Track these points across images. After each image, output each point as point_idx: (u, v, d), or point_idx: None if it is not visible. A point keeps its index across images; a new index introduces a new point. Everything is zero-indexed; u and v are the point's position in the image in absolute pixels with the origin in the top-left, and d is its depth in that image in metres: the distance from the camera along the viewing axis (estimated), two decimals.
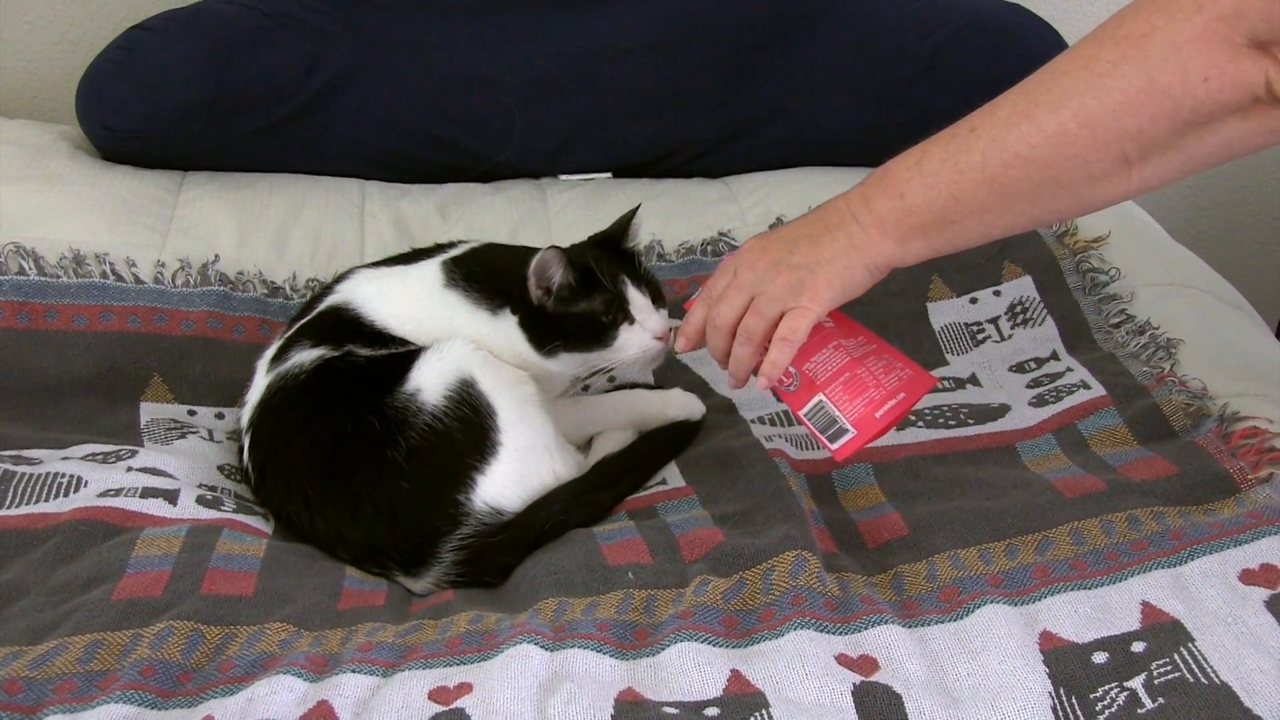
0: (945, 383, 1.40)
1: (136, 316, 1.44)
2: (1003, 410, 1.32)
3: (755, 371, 1.10)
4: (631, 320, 1.23)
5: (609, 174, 1.84)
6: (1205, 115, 0.94)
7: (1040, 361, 1.41)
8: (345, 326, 1.25)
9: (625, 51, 1.78)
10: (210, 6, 1.75)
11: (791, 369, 1.08)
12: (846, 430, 1.07)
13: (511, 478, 1.17)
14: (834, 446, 1.08)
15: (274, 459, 1.21)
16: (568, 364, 1.25)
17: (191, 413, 1.38)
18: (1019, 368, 1.41)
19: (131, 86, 1.68)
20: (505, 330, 1.25)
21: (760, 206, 1.72)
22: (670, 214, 1.71)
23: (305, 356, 1.22)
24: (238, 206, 1.66)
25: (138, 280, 1.49)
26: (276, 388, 1.22)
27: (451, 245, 1.34)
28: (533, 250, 1.25)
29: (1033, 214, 1.04)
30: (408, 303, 1.27)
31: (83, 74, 1.70)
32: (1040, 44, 1.77)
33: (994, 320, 1.48)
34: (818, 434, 1.09)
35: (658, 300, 1.26)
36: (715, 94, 1.81)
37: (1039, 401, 1.32)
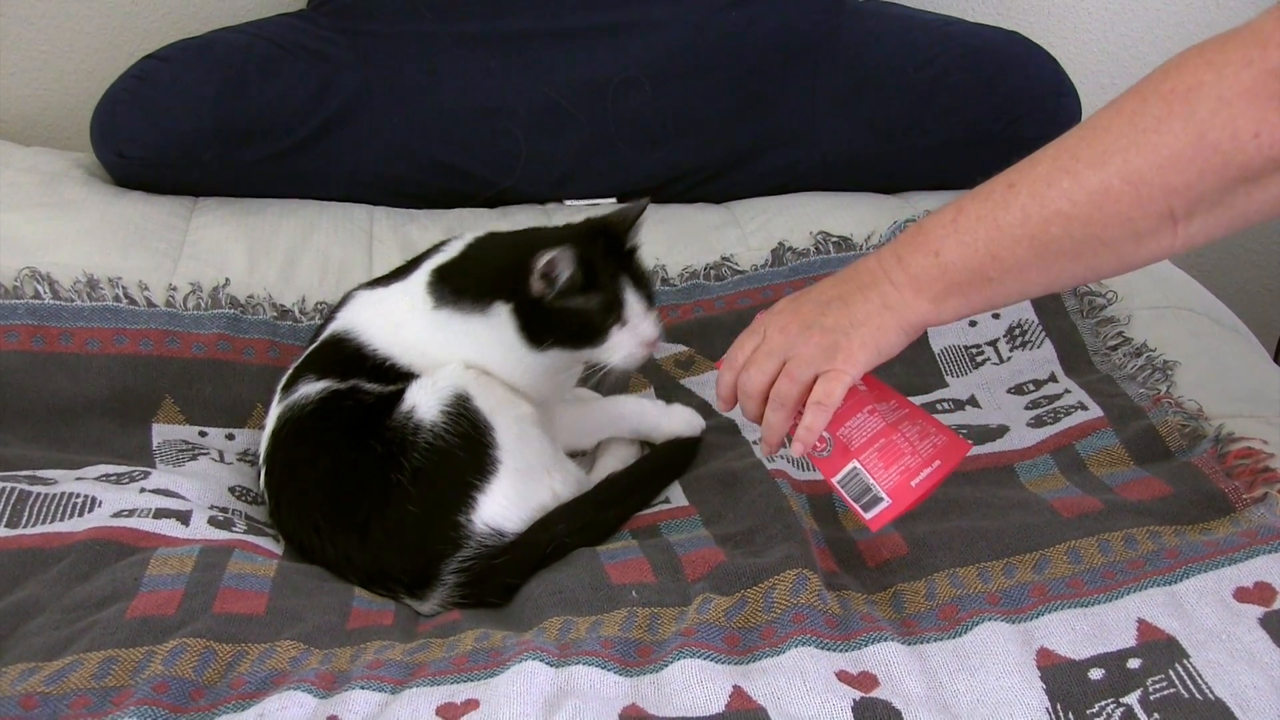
0: (945, 404, 1.41)
1: (149, 339, 1.45)
2: (1001, 431, 1.33)
3: (790, 437, 1.07)
4: (624, 322, 1.23)
5: (614, 199, 1.85)
6: (1255, 171, 0.91)
7: (1039, 383, 1.41)
8: (349, 358, 1.25)
9: (630, 81, 1.79)
10: (222, 36, 1.78)
11: (825, 434, 1.05)
12: (881, 499, 1.04)
13: (511, 498, 1.17)
14: (868, 516, 1.04)
15: (286, 489, 1.22)
16: (556, 360, 1.25)
17: (203, 434, 1.39)
18: (1018, 389, 1.41)
19: (144, 115, 1.71)
20: (499, 327, 1.24)
21: (762, 232, 1.74)
22: (674, 239, 1.72)
23: (311, 389, 1.23)
24: (248, 231, 1.68)
25: (150, 304, 1.50)
26: (285, 419, 1.24)
27: (439, 247, 1.32)
28: (526, 234, 1.23)
29: (1074, 271, 1.00)
30: (405, 330, 1.26)
31: (97, 102, 1.73)
32: (1038, 71, 1.79)
33: (993, 343, 1.49)
34: (851, 502, 1.05)
35: (650, 300, 1.25)
36: (718, 122, 1.83)
37: (1037, 423, 1.33)
